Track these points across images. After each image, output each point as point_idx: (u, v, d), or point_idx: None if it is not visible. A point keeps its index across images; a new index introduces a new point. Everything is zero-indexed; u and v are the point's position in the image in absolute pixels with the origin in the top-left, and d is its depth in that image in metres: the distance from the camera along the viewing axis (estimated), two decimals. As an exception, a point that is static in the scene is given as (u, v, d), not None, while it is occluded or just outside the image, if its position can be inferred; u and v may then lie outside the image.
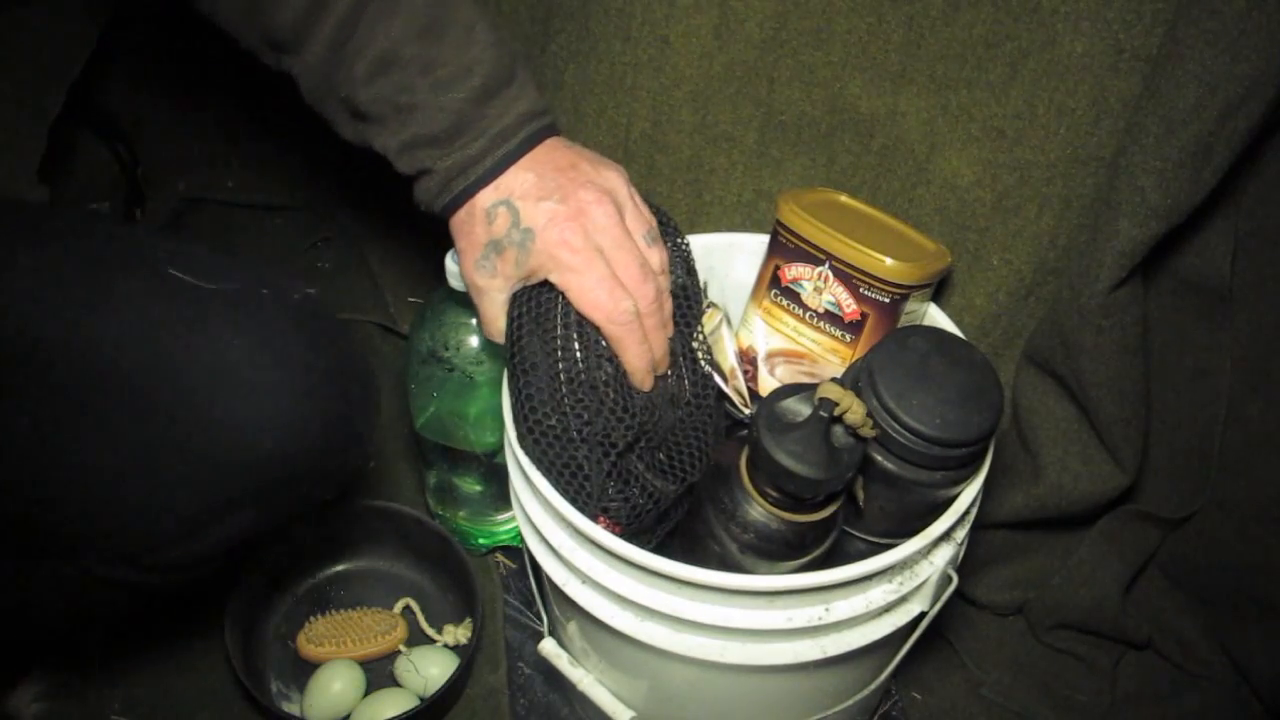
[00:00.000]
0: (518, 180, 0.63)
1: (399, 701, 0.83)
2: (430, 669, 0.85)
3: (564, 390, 0.64)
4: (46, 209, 0.69)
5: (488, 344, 0.80)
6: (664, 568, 0.60)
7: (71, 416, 0.57)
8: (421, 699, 0.84)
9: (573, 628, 0.75)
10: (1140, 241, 0.75)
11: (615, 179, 0.66)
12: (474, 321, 0.80)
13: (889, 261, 0.71)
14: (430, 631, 0.90)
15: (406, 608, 0.92)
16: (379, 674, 0.88)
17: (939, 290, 0.83)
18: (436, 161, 0.63)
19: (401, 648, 0.88)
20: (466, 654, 0.85)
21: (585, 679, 0.76)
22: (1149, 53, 0.73)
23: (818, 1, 0.80)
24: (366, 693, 0.85)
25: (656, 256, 0.66)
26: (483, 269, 0.64)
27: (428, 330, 0.82)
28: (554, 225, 0.62)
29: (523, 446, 0.66)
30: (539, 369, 0.64)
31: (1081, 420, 0.85)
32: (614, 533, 0.63)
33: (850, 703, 0.73)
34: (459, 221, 0.65)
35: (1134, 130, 0.73)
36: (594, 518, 0.63)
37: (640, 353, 0.65)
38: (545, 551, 0.69)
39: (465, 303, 0.79)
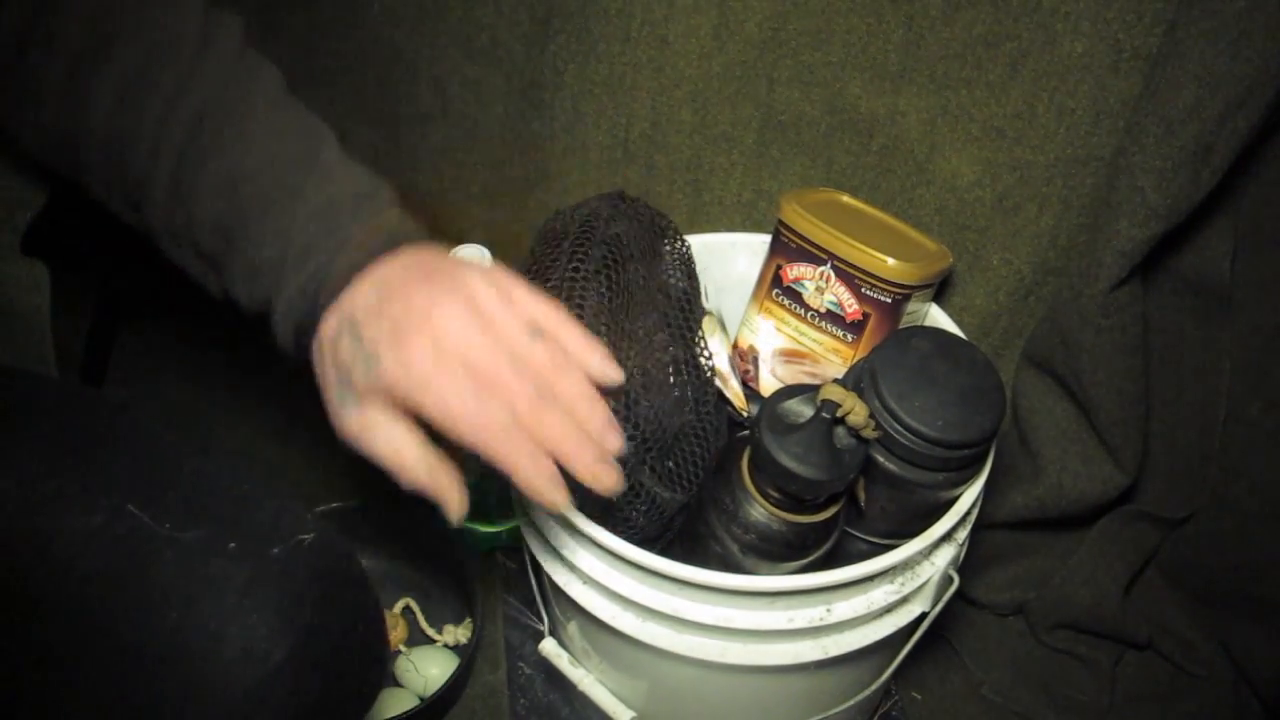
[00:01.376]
0: (360, 298, 0.53)
1: (399, 701, 0.83)
2: (430, 669, 0.85)
3: None
4: (18, 384, 0.60)
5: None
6: (665, 568, 0.60)
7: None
8: (421, 699, 0.83)
9: (573, 628, 0.75)
10: (1140, 241, 0.75)
11: (475, 275, 0.55)
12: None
13: (891, 261, 0.71)
14: (430, 631, 0.90)
15: (406, 608, 0.92)
16: (379, 674, 0.88)
17: (939, 290, 0.83)
18: (276, 292, 0.54)
19: (401, 647, 0.88)
20: (466, 654, 0.85)
21: (586, 679, 0.76)
22: (1149, 53, 0.73)
23: (818, 1, 0.80)
24: None
25: (541, 349, 0.54)
26: (345, 407, 0.53)
27: (428, 330, 0.82)
28: (396, 341, 0.51)
29: None
30: None
31: (1081, 420, 0.85)
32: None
33: (851, 703, 0.73)
34: (315, 365, 0.55)
35: (1134, 130, 0.73)
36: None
37: (529, 464, 0.51)
38: (546, 551, 0.68)
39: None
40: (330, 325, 0.53)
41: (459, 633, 0.89)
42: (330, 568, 0.54)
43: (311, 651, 0.51)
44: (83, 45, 0.56)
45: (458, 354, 0.51)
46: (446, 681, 0.82)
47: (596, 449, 0.52)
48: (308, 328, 0.54)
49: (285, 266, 0.54)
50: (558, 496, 0.51)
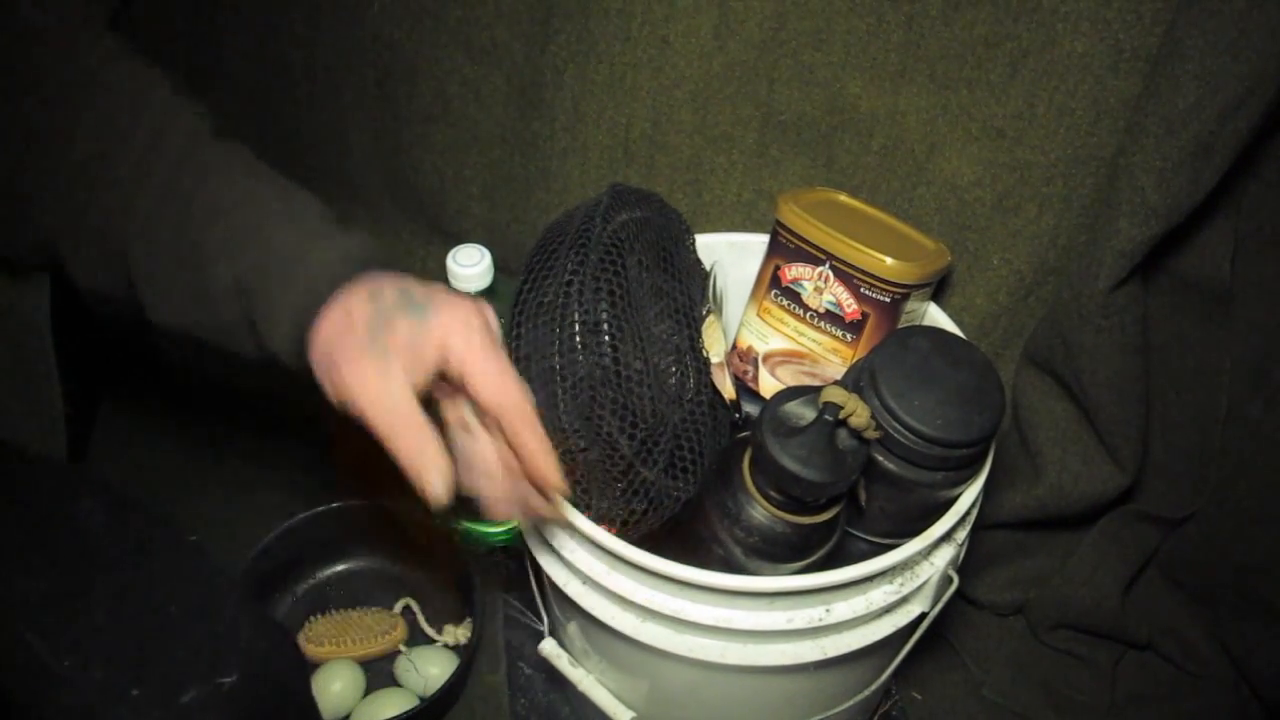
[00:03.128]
0: (392, 276, 0.55)
1: (399, 701, 0.83)
2: (430, 669, 0.85)
3: (562, 409, 0.64)
4: None
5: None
6: (665, 569, 0.60)
7: None
8: (421, 698, 0.84)
9: (573, 628, 0.75)
10: (1140, 241, 0.75)
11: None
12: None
13: (889, 261, 0.71)
14: (430, 631, 0.90)
15: (406, 608, 0.92)
16: (379, 674, 0.88)
17: (939, 290, 0.83)
18: (279, 286, 0.54)
19: (401, 647, 0.88)
20: (466, 654, 0.85)
21: (585, 679, 0.76)
22: (1149, 53, 0.73)
23: (818, 1, 0.80)
24: (366, 692, 0.85)
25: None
26: (369, 355, 0.51)
27: (428, 330, 0.82)
28: (451, 305, 0.53)
29: None
30: (536, 393, 0.64)
31: (1081, 420, 0.85)
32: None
33: (851, 703, 0.73)
34: (332, 323, 0.53)
35: (1134, 130, 0.73)
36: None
37: (539, 444, 0.54)
38: (546, 552, 0.69)
39: (465, 303, 0.79)
40: (365, 285, 0.53)
41: (459, 632, 0.89)
42: (253, 715, 0.49)
43: None
44: (22, 145, 0.53)
45: (491, 334, 0.53)
46: (446, 682, 0.82)
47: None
48: (338, 290, 0.54)
49: (284, 268, 0.54)
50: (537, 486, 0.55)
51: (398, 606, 0.92)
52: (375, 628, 0.89)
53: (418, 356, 0.52)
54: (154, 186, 0.54)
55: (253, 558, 0.87)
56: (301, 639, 0.88)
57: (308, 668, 0.60)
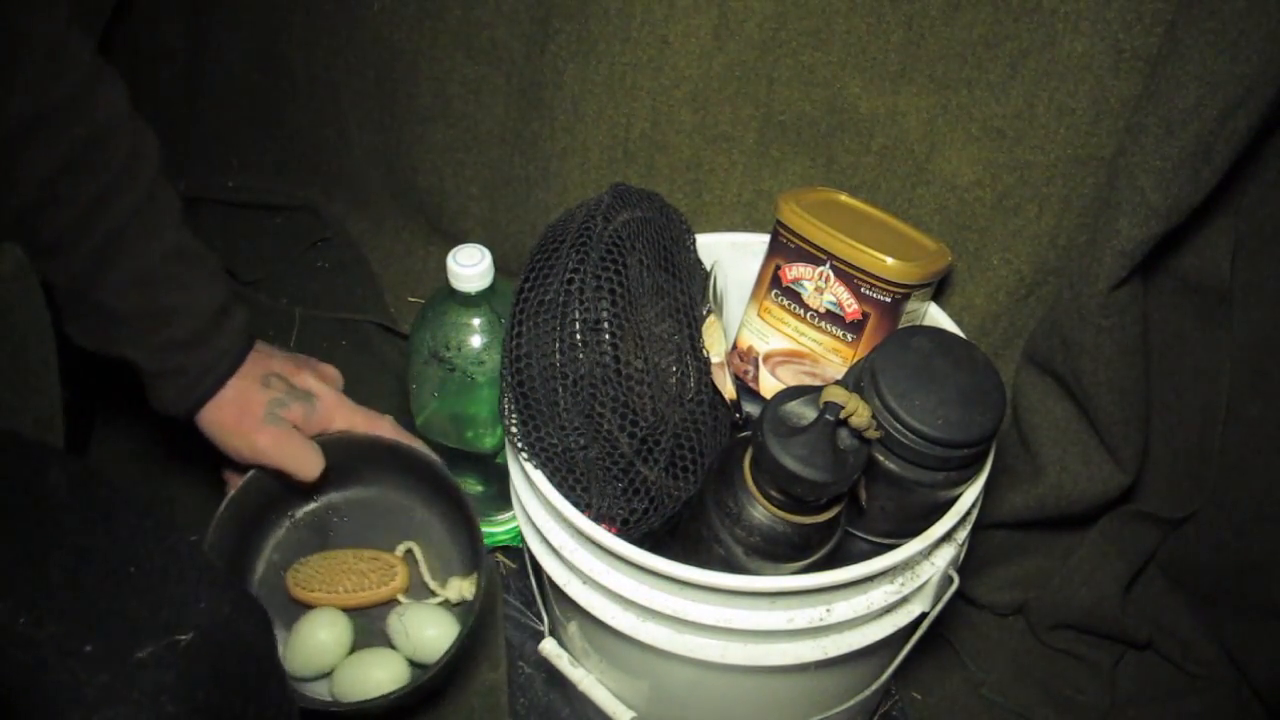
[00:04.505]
0: (273, 360, 0.78)
1: (386, 663, 0.77)
2: (425, 630, 0.78)
3: (562, 406, 0.64)
4: None
5: (489, 344, 0.80)
6: (665, 569, 0.60)
7: None
8: (411, 662, 0.78)
9: (573, 628, 0.75)
10: (1140, 241, 0.75)
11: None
12: (475, 321, 0.80)
13: (890, 261, 0.71)
14: (432, 584, 0.82)
15: (409, 552, 0.83)
16: (371, 627, 0.80)
17: (939, 290, 0.83)
18: (190, 358, 0.72)
19: (401, 598, 0.81)
20: (468, 622, 0.76)
21: (585, 679, 0.76)
22: (1149, 53, 0.73)
23: (818, 1, 0.80)
24: (354, 648, 0.79)
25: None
26: (269, 425, 0.75)
27: (428, 330, 0.82)
28: (327, 391, 0.80)
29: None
30: (537, 391, 0.64)
31: (1081, 420, 0.85)
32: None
33: (851, 703, 0.73)
34: (225, 402, 0.74)
35: (1134, 130, 0.73)
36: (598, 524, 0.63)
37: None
38: (546, 551, 0.69)
39: (466, 303, 0.79)
40: (257, 372, 0.76)
41: (464, 587, 0.81)
42: (211, 674, 0.47)
43: None
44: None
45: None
46: (441, 665, 0.74)
47: None
48: (224, 377, 0.74)
49: (203, 342, 0.73)
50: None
51: (399, 549, 0.83)
52: (371, 574, 0.81)
53: (307, 424, 0.78)
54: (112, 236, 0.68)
55: (252, 475, 0.79)
56: (291, 579, 0.80)
57: (274, 635, 0.58)
